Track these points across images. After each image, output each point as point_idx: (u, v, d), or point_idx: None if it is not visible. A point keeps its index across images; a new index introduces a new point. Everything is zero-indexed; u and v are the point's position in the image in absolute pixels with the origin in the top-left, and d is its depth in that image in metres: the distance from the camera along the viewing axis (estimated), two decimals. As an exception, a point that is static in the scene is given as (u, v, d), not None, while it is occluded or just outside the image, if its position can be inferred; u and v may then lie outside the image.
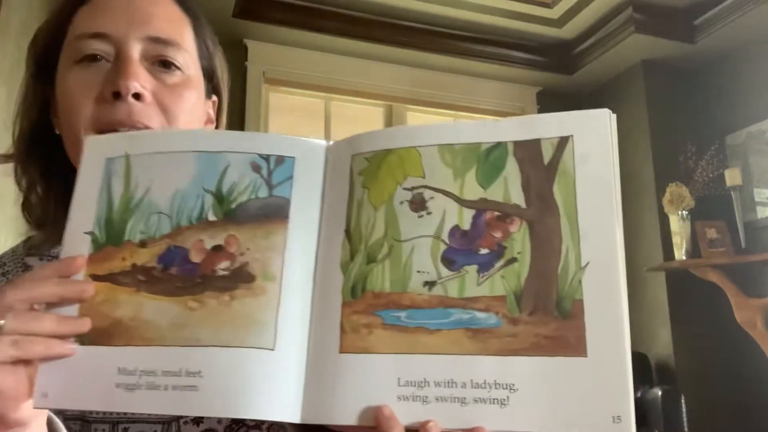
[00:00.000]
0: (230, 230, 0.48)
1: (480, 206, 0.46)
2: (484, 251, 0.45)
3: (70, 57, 0.65)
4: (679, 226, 3.12)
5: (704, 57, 3.44)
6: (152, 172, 0.50)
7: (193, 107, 0.68)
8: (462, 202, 0.46)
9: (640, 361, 3.17)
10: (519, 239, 0.45)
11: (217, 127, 0.77)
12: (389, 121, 3.62)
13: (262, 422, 0.65)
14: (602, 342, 0.41)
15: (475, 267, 0.45)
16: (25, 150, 0.70)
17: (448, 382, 0.43)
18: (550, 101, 3.81)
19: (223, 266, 0.47)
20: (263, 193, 0.49)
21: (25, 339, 0.44)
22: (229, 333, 0.45)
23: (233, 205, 0.48)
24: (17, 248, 0.71)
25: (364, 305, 0.46)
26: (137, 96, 0.63)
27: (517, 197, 0.46)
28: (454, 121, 0.56)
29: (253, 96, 3.25)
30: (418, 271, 0.46)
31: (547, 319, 0.42)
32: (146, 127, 0.63)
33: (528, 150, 0.46)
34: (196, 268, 0.47)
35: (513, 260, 0.44)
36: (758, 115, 3.23)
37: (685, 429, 2.92)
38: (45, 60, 0.69)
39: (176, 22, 0.69)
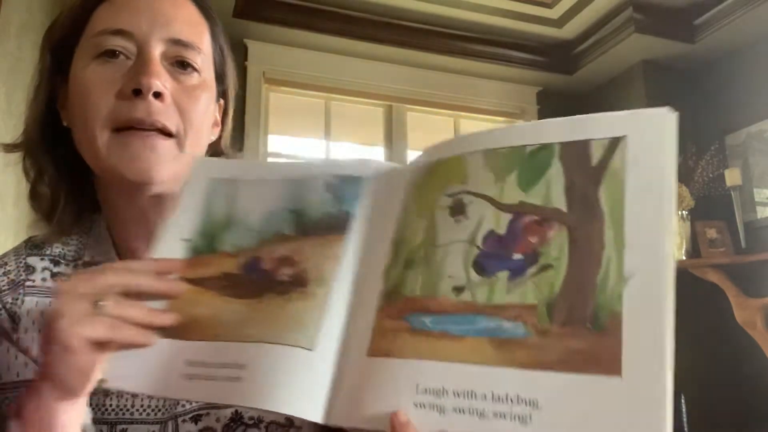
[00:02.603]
0: (300, 242, 0.54)
1: (517, 210, 0.44)
2: (517, 257, 0.43)
3: (88, 52, 0.65)
4: (679, 226, 3.12)
5: (704, 57, 3.44)
6: (249, 195, 0.57)
7: (207, 109, 0.69)
8: (499, 206, 0.45)
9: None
10: (556, 245, 0.42)
11: (222, 130, 0.78)
12: (389, 121, 3.62)
13: (260, 421, 0.66)
14: (640, 362, 0.37)
15: (506, 273, 0.42)
16: (34, 138, 0.70)
17: (468, 393, 0.40)
18: (550, 101, 3.81)
19: (286, 272, 0.52)
20: (333, 209, 0.54)
21: (120, 324, 0.48)
22: (277, 331, 0.48)
23: (306, 220, 0.55)
24: (19, 248, 0.71)
25: (396, 310, 0.45)
26: (157, 95, 0.63)
27: (559, 201, 0.43)
28: (502, 125, 0.56)
29: (253, 96, 3.25)
30: (449, 276, 0.44)
31: (581, 331, 0.38)
32: (164, 126, 0.63)
33: (576, 151, 0.43)
34: (266, 274, 0.53)
35: (548, 267, 0.41)
36: (758, 115, 3.24)
37: (685, 429, 2.92)
38: (59, 53, 0.69)
39: (196, 25, 0.70)
